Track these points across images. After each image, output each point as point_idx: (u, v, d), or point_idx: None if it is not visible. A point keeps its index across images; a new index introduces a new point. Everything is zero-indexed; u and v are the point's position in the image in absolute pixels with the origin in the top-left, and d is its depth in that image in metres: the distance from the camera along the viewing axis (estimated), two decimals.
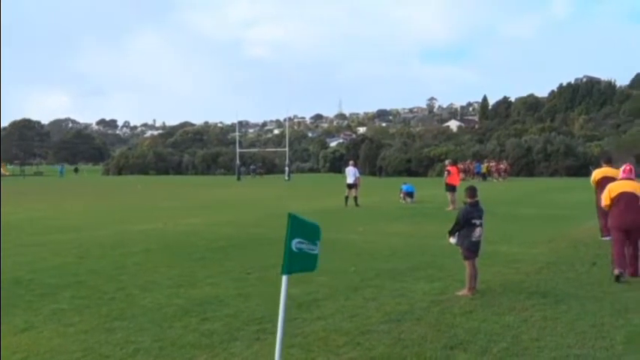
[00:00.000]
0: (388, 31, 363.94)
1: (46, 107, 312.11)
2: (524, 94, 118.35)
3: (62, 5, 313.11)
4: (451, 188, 19.84)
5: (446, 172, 20.85)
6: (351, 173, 21.77)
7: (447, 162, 22.88)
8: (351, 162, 23.61)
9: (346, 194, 21.47)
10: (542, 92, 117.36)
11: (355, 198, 21.08)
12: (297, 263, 4.20)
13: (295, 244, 4.12)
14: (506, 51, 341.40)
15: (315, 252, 4.31)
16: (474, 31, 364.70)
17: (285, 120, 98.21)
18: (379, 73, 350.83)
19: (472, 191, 7.49)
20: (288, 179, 53.47)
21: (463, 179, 44.91)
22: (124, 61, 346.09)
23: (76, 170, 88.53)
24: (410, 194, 23.12)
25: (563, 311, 6.41)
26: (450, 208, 18.73)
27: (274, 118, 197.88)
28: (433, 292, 7.37)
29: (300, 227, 4.16)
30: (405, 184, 24.58)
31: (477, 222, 7.25)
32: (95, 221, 16.78)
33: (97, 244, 11.93)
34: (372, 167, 71.82)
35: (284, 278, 4.21)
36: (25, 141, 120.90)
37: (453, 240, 7.43)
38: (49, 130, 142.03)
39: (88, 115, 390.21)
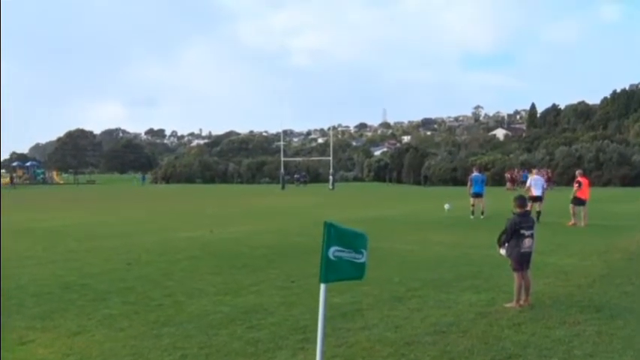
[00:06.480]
0: (428, 38, 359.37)
1: (98, 118, 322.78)
2: (575, 101, 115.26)
3: (116, 18, 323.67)
4: (580, 202, 17.39)
5: (576, 185, 17.65)
6: (538, 183, 18.48)
7: (577, 172, 18.67)
8: (537, 170, 20.80)
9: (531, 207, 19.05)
10: (594, 99, 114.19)
11: (539, 213, 17.62)
12: (337, 272, 4.22)
13: (333, 252, 4.13)
14: (554, 57, 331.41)
15: (361, 260, 4.31)
16: (516, 36, 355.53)
17: (329, 129, 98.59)
18: (422, 81, 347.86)
19: (521, 201, 7.40)
20: (333, 188, 53.46)
21: (510, 189, 44.26)
22: (173, 71, 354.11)
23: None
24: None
25: (620, 327, 6.15)
26: (583, 223, 16.65)
27: (318, 127, 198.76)
28: (480, 303, 7.21)
29: (339, 235, 4.17)
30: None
31: (527, 232, 7.11)
32: (142, 228, 17.19)
33: (144, 250, 12.22)
34: (416, 176, 71.30)
35: (322, 287, 4.24)
36: (79, 150, 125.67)
37: (502, 251, 7.30)
38: (100, 140, 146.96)
39: (137, 125, 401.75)
